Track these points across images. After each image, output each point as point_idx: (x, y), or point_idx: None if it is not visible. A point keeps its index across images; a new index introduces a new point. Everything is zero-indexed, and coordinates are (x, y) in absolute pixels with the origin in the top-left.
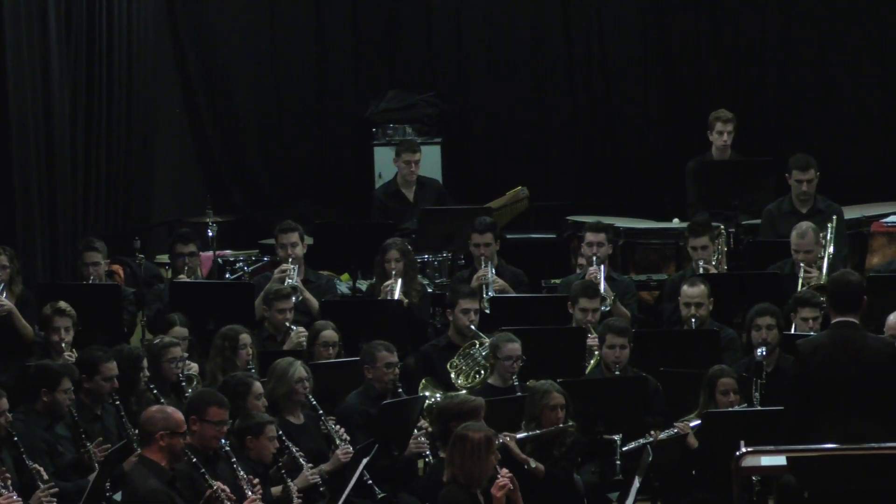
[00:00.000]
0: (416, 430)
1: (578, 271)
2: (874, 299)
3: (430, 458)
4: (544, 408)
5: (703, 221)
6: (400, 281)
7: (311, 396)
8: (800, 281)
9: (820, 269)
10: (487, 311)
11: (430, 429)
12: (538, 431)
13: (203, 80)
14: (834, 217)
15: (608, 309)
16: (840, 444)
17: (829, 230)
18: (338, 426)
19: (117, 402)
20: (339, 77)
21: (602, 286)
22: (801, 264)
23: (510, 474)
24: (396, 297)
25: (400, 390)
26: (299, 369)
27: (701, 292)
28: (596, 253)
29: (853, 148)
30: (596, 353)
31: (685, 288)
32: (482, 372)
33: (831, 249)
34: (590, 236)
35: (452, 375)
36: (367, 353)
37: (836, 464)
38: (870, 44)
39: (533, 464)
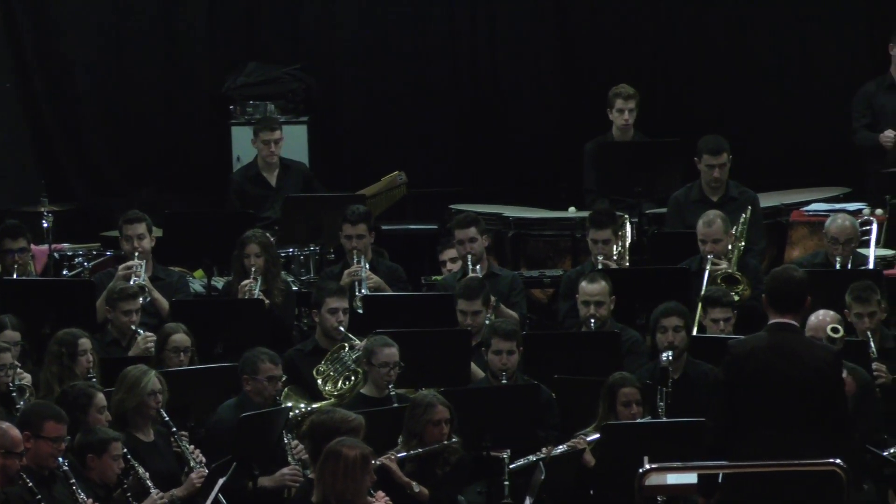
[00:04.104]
0: (292, 458)
1: (452, 270)
2: None
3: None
4: (427, 423)
5: (607, 211)
6: (260, 279)
7: (163, 411)
8: (706, 274)
9: (730, 261)
10: (360, 311)
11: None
12: (420, 450)
13: (37, 49)
14: (748, 206)
15: (489, 313)
16: (771, 461)
17: (742, 220)
18: (192, 445)
19: None
20: (191, 47)
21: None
22: (709, 256)
23: (386, 497)
24: (256, 297)
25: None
26: (153, 380)
27: (602, 289)
28: (471, 251)
29: (770, 129)
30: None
31: (584, 284)
32: (352, 377)
33: (742, 242)
34: (459, 233)
35: (319, 382)
36: (248, 362)
37: (763, 482)
38: (787, 12)
39: (416, 487)
